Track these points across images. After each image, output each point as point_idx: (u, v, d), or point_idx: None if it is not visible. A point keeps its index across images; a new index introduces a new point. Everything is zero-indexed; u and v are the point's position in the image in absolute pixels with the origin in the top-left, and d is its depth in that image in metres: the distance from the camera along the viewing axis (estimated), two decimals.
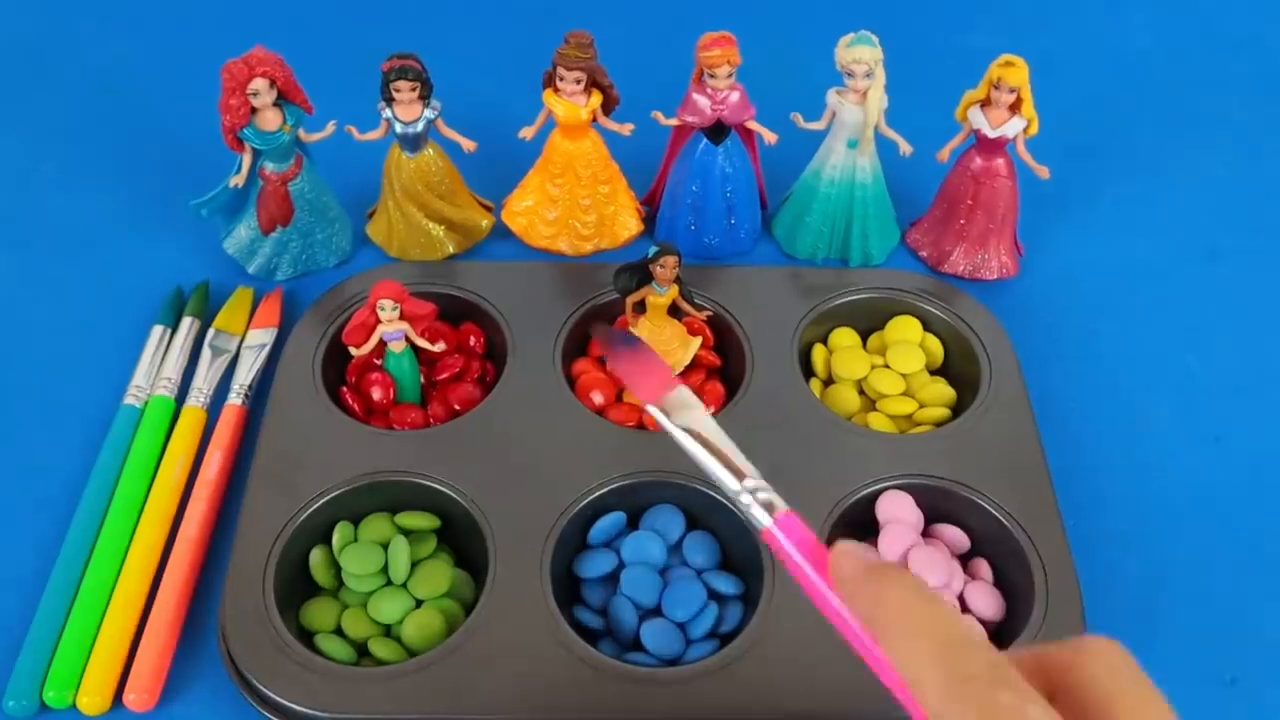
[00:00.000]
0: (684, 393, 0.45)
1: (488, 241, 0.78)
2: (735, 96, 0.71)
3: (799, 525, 0.42)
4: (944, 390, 0.68)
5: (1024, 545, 0.59)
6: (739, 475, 0.43)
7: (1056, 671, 0.36)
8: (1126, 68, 0.96)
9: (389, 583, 0.59)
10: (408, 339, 0.66)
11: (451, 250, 0.76)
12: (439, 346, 0.67)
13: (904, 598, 0.36)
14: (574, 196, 0.75)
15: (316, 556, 0.60)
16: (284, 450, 0.63)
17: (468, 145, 0.73)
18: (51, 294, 0.75)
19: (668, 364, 0.47)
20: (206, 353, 0.70)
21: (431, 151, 0.73)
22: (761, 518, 0.42)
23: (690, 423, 0.45)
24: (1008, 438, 0.65)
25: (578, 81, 0.70)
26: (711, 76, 0.70)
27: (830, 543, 0.38)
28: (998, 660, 0.34)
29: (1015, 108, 0.70)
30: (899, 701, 0.35)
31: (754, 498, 0.42)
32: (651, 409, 0.45)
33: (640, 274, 0.64)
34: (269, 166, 0.71)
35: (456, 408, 0.66)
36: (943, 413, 0.67)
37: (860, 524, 0.61)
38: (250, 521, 0.60)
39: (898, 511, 0.61)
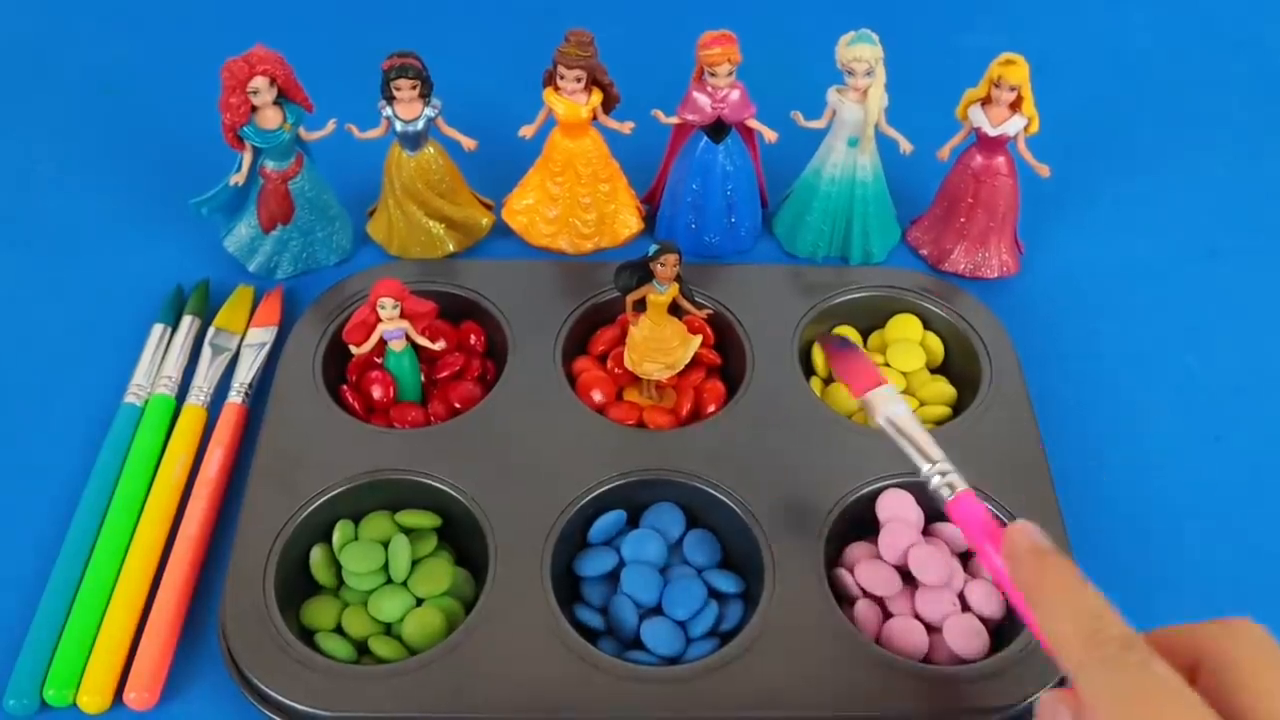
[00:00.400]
0: (889, 389, 0.55)
1: (488, 240, 0.78)
2: (735, 95, 0.71)
3: (975, 503, 0.50)
4: (944, 389, 0.68)
5: None
6: (929, 459, 0.52)
7: (1201, 647, 0.42)
8: (1126, 67, 0.96)
9: (389, 581, 0.59)
10: (408, 337, 0.66)
11: (452, 249, 0.76)
12: (439, 345, 0.67)
13: (1059, 579, 0.44)
14: (574, 195, 0.75)
15: (317, 555, 0.60)
16: (284, 449, 0.63)
17: (468, 144, 0.73)
18: (51, 293, 0.75)
19: (874, 364, 0.57)
20: (207, 351, 0.70)
21: (432, 150, 0.73)
22: (946, 495, 0.51)
23: (892, 414, 0.54)
24: (1008, 436, 0.65)
25: (578, 80, 0.70)
26: (712, 75, 0.70)
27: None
28: (1129, 632, 0.41)
29: (1016, 106, 0.70)
30: (1048, 652, 0.43)
31: (941, 479, 0.51)
32: (862, 400, 0.55)
33: (641, 272, 0.64)
34: (269, 165, 0.71)
35: (457, 406, 0.66)
36: (943, 411, 0.67)
37: (861, 522, 0.61)
38: (251, 520, 0.60)
39: (898, 510, 0.61)
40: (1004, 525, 0.47)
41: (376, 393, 0.66)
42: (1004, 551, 0.46)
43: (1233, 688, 0.40)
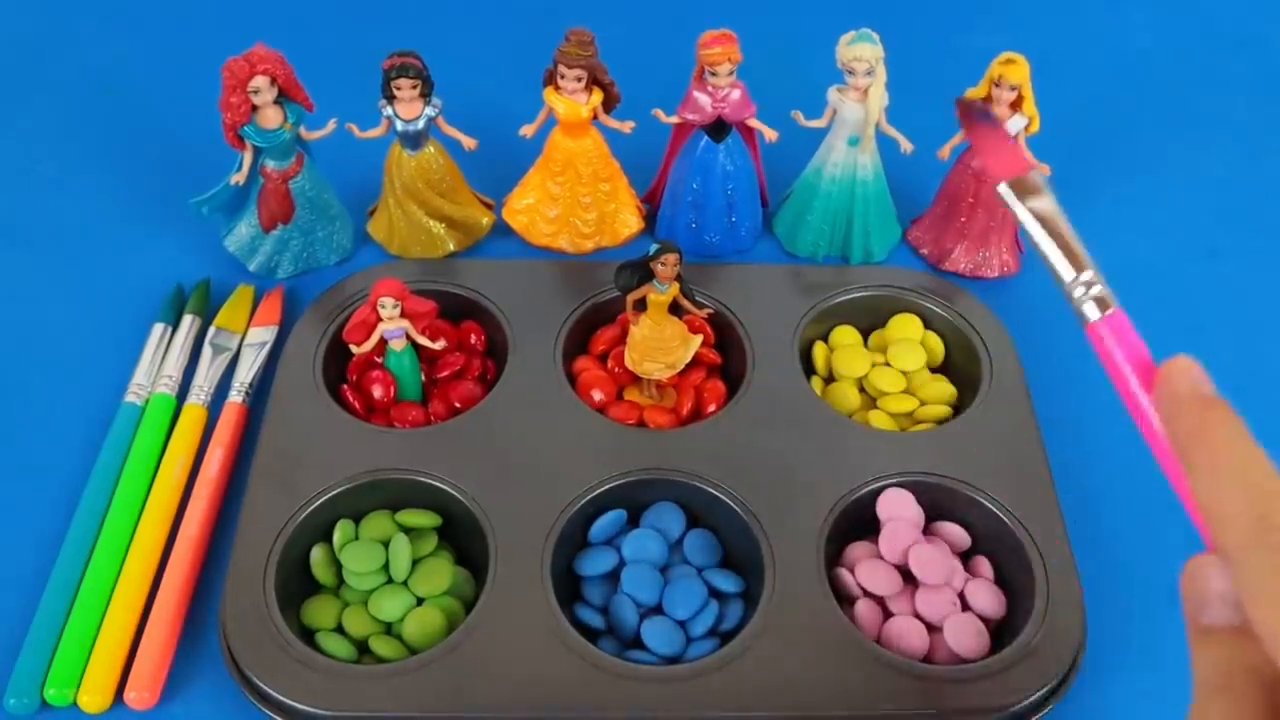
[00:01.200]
0: (1037, 177, 0.45)
1: (488, 239, 0.78)
2: (736, 94, 0.71)
3: (1129, 329, 0.41)
4: (945, 388, 0.68)
5: (1025, 543, 0.59)
6: (1078, 266, 0.43)
7: None
8: (1126, 67, 0.96)
9: (390, 581, 0.59)
10: (408, 337, 0.66)
11: (452, 248, 0.76)
12: (440, 344, 0.67)
13: (1230, 436, 0.36)
14: (574, 194, 0.75)
15: (317, 554, 0.60)
16: (285, 448, 0.63)
17: (468, 143, 0.73)
18: (52, 292, 0.75)
19: (1023, 148, 0.48)
20: (207, 350, 0.70)
21: (432, 149, 0.73)
22: (1091, 313, 0.42)
23: (1037, 207, 0.44)
24: (1009, 435, 0.65)
25: (578, 79, 0.70)
26: (712, 74, 0.70)
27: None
28: None
29: (1016, 105, 0.70)
30: (1195, 520, 0.36)
31: (1088, 291, 0.43)
32: (1001, 189, 0.45)
33: (641, 271, 0.64)
34: (270, 164, 0.71)
35: (457, 406, 0.66)
36: (944, 410, 0.67)
37: (861, 521, 0.61)
38: (251, 519, 0.60)
39: (899, 509, 0.61)
40: (1154, 368, 0.39)
41: (377, 392, 0.66)
42: (1159, 392, 0.38)
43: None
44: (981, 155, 0.50)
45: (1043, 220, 0.44)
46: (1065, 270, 0.43)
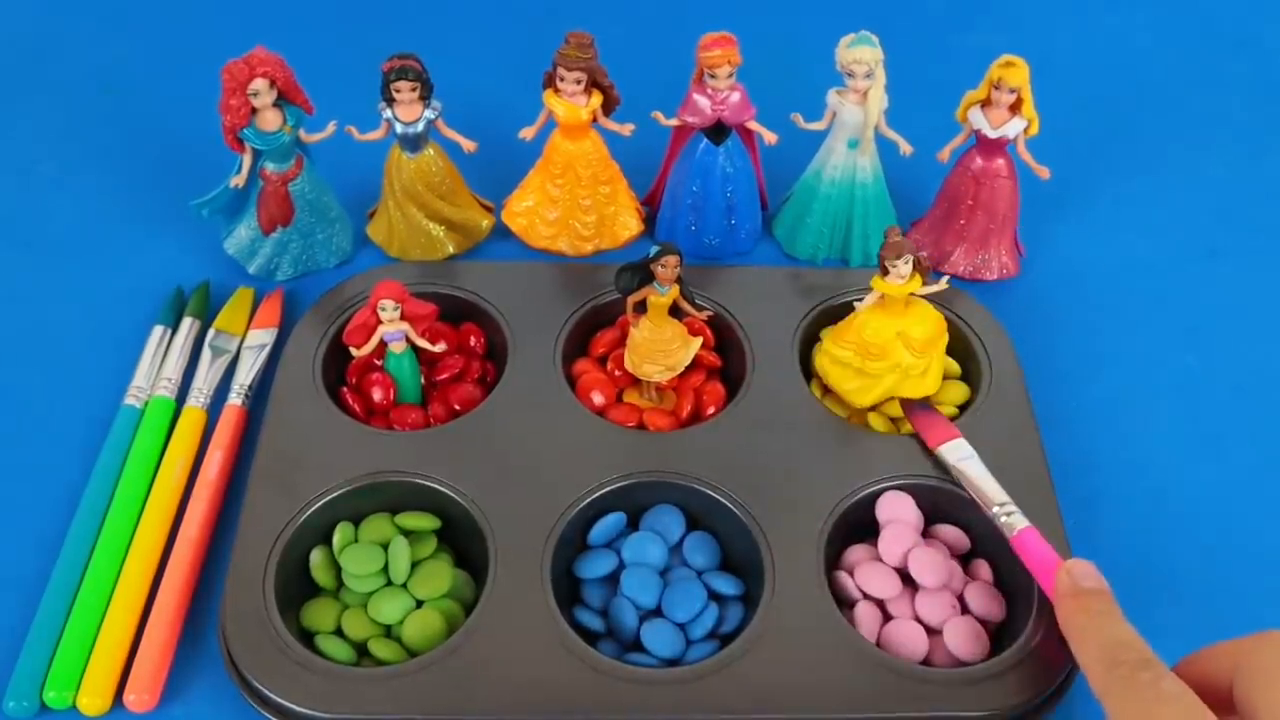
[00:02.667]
0: (962, 443, 0.62)
1: (488, 242, 0.78)
2: (736, 97, 0.71)
3: (1036, 539, 0.57)
4: (957, 390, 0.68)
5: None
6: (996, 501, 0.59)
7: (1237, 658, 0.47)
8: (1126, 68, 0.96)
9: (389, 583, 0.59)
10: (408, 339, 0.66)
11: (452, 250, 0.76)
12: (440, 347, 0.67)
13: (1090, 614, 0.51)
14: (574, 197, 0.75)
15: (317, 557, 0.60)
16: (284, 451, 0.63)
17: (468, 145, 0.73)
18: (51, 294, 0.75)
19: (950, 423, 0.64)
20: (207, 353, 0.70)
21: (432, 152, 0.73)
22: (1009, 532, 0.58)
23: (962, 464, 0.61)
24: (1008, 437, 0.65)
25: (578, 82, 0.70)
26: (712, 77, 0.70)
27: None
28: (1148, 655, 0.47)
29: (1016, 108, 0.70)
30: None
31: (1007, 518, 0.58)
32: (941, 450, 0.62)
33: (641, 274, 0.64)
34: (269, 167, 0.71)
35: (457, 408, 0.66)
36: (945, 411, 0.67)
37: (861, 524, 0.61)
38: (250, 522, 0.60)
39: (898, 512, 0.61)
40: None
41: (376, 395, 0.66)
42: (1052, 591, 0.53)
43: (1251, 694, 0.45)
44: (921, 431, 0.64)
45: (968, 468, 0.61)
46: (986, 504, 0.59)
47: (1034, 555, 0.56)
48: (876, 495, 0.62)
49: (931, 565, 0.58)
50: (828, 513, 0.61)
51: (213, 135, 0.69)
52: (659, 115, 0.73)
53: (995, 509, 0.58)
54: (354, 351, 0.66)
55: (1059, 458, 0.64)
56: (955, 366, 0.69)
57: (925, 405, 0.66)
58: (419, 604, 0.58)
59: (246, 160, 0.70)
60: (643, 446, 0.64)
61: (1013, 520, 0.58)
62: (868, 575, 0.59)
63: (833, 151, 0.74)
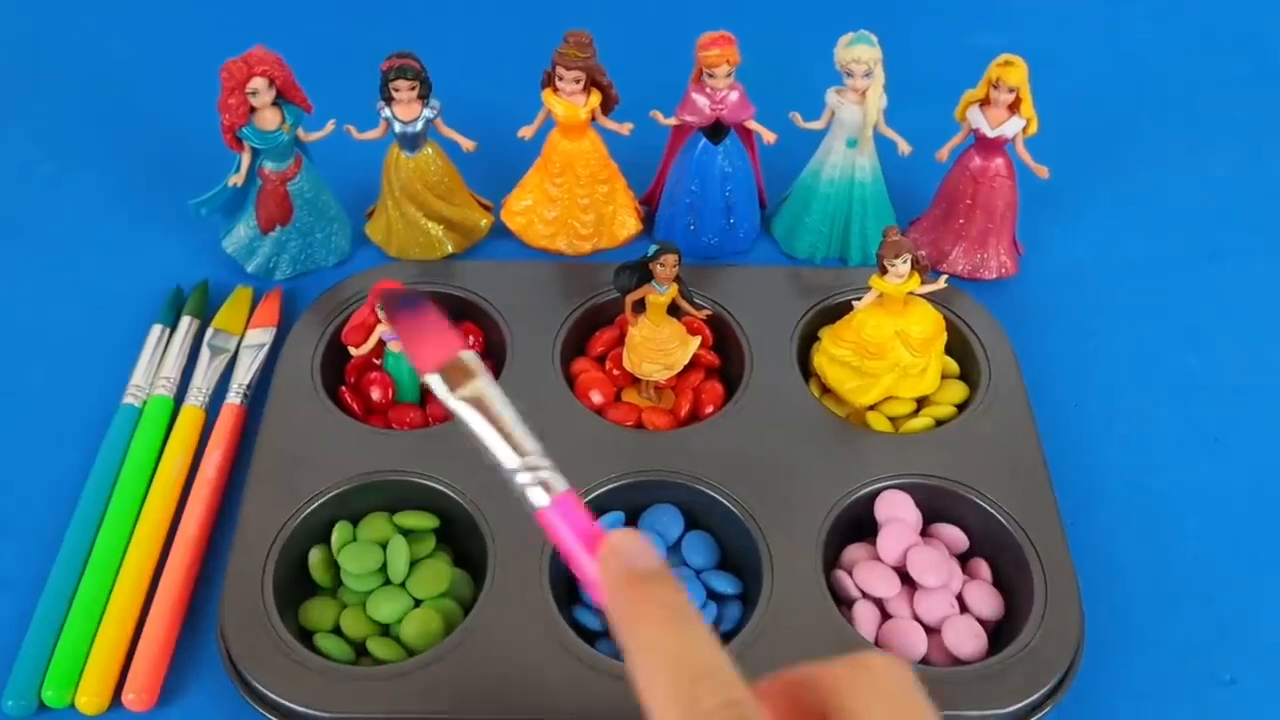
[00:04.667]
0: (469, 359, 0.42)
1: (487, 241, 0.78)
2: (734, 96, 0.71)
3: (578, 509, 0.39)
4: (956, 390, 0.68)
5: (1023, 545, 0.59)
6: (520, 450, 0.40)
7: (832, 688, 0.36)
8: (1126, 67, 0.96)
9: (388, 582, 0.59)
10: None
11: (450, 250, 0.76)
12: None
13: (659, 616, 0.35)
14: (573, 196, 0.75)
15: (315, 556, 0.60)
16: (283, 450, 0.63)
17: (467, 145, 0.73)
18: (50, 293, 0.75)
19: (450, 326, 0.43)
20: (205, 352, 0.70)
21: (430, 151, 0.73)
22: (537, 499, 0.39)
23: (470, 393, 0.41)
24: (1007, 437, 0.65)
25: (577, 81, 0.70)
26: (710, 76, 0.70)
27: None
28: (737, 698, 0.33)
29: (1014, 107, 0.70)
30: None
31: (534, 475, 0.40)
32: (429, 379, 0.41)
33: (640, 272, 0.64)
34: (268, 166, 0.71)
35: None
36: (944, 411, 0.67)
37: (860, 523, 0.61)
38: (249, 521, 0.60)
39: (897, 511, 0.61)
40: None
41: (375, 394, 0.66)
42: (600, 578, 0.37)
43: None
44: (406, 345, 0.46)
45: (478, 406, 0.41)
46: (508, 457, 0.40)
47: (574, 530, 0.39)
48: (875, 494, 0.62)
49: (930, 564, 0.58)
50: (826, 512, 0.61)
51: (212, 135, 0.69)
52: (658, 114, 0.73)
53: (519, 463, 0.40)
54: (353, 350, 0.66)
55: (1057, 457, 0.64)
56: (954, 365, 0.69)
57: (411, 300, 0.45)
58: (417, 603, 0.58)
59: (245, 159, 0.70)
60: (641, 446, 0.64)
61: (550, 479, 0.40)
62: (866, 574, 0.59)
63: (831, 150, 0.74)
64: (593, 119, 0.72)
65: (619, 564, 0.37)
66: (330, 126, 0.71)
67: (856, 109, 0.71)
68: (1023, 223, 0.77)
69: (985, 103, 0.70)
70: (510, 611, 0.57)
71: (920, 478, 0.62)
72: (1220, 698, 0.58)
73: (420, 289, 0.70)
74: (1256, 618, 0.61)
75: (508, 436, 0.41)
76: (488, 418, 0.41)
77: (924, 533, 0.62)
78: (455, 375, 0.41)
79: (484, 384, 0.41)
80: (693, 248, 0.77)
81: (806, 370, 0.69)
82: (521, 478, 0.40)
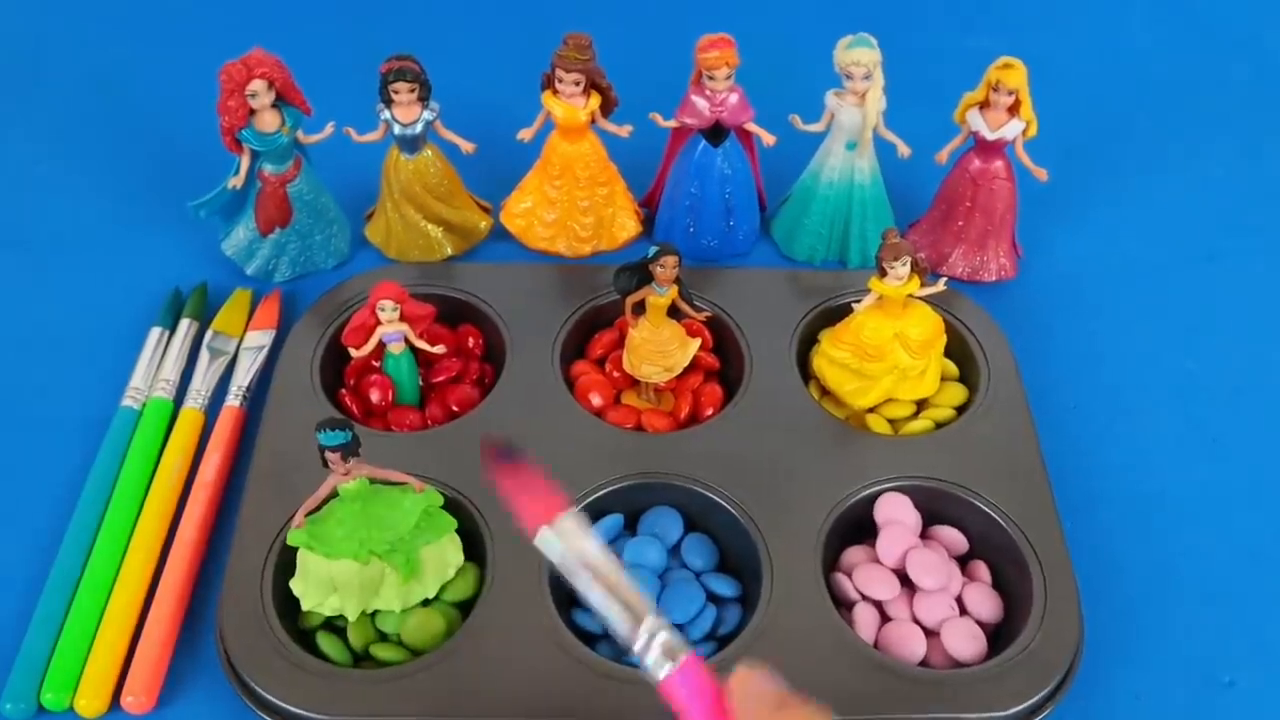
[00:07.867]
0: (575, 519, 0.40)
1: (486, 243, 0.78)
2: (734, 98, 0.71)
3: (700, 670, 0.38)
4: (955, 392, 0.68)
5: (1022, 547, 0.59)
6: (638, 616, 0.38)
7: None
8: (1125, 69, 0.96)
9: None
10: (407, 340, 0.66)
11: (450, 252, 0.76)
12: (439, 348, 0.67)
13: None
14: (572, 198, 0.75)
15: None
16: (282, 452, 0.63)
17: (466, 147, 0.73)
18: (49, 295, 0.75)
19: (554, 487, 0.42)
20: (205, 354, 0.70)
21: (430, 153, 0.73)
22: (660, 670, 0.37)
23: (581, 553, 0.40)
24: (1006, 439, 0.65)
25: (576, 83, 0.70)
26: (710, 78, 0.70)
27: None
28: None
29: (1014, 110, 0.70)
30: None
31: (652, 640, 0.38)
32: (541, 539, 0.40)
33: (640, 274, 0.64)
34: (267, 168, 0.71)
35: (455, 409, 0.66)
36: (944, 413, 0.67)
37: (859, 526, 0.61)
38: (248, 523, 0.60)
39: (896, 513, 0.61)
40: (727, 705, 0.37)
41: (375, 396, 0.66)
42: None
43: None
44: (511, 500, 0.44)
45: (592, 569, 0.39)
46: (623, 625, 0.38)
47: (699, 695, 0.38)
48: (875, 497, 0.62)
49: (930, 567, 0.58)
50: (826, 514, 0.61)
51: (211, 137, 0.69)
52: (657, 117, 0.73)
53: (640, 629, 0.39)
54: (352, 352, 0.66)
55: (1057, 460, 0.64)
56: (953, 368, 0.69)
57: (513, 450, 0.45)
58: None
59: (244, 161, 0.70)
60: (641, 448, 0.64)
61: (671, 644, 0.39)
62: (866, 577, 0.59)
63: (831, 153, 0.74)
64: (592, 121, 0.72)
65: (754, 696, 0.37)
66: (329, 129, 0.71)
67: (856, 111, 0.71)
68: (1022, 225, 0.77)
69: (985, 105, 0.71)
70: (510, 614, 0.57)
71: (920, 480, 0.62)
72: (1220, 699, 0.58)
73: (419, 291, 0.69)
74: (1256, 619, 0.61)
75: (622, 600, 0.39)
76: (599, 580, 0.40)
77: (923, 535, 0.62)
78: (565, 535, 0.40)
79: (592, 544, 0.40)
80: (692, 250, 0.77)
81: (806, 372, 0.69)
82: (639, 644, 0.38)
